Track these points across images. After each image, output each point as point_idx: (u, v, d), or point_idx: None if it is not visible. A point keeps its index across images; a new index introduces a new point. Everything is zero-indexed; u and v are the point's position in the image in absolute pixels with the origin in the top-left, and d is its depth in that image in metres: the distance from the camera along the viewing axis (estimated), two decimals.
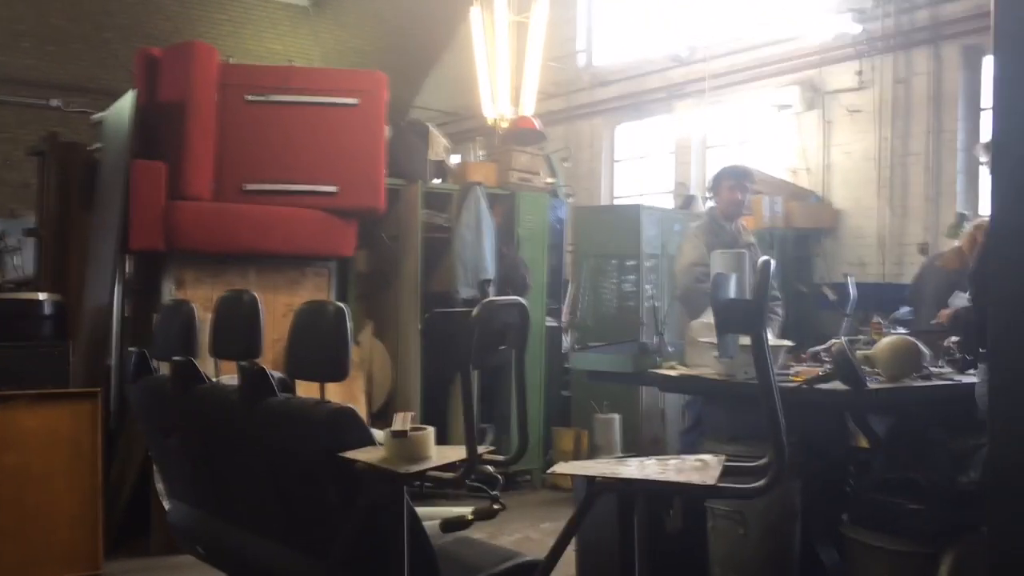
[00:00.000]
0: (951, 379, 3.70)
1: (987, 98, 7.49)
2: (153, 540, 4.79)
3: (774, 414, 1.72)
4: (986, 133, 7.22)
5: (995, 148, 1.49)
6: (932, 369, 3.76)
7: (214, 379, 3.01)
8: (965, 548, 3.09)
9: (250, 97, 5.25)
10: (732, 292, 1.80)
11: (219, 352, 2.90)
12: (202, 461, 3.02)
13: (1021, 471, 1.47)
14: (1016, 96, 1.40)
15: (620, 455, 5.45)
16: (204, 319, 3.20)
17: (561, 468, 2.13)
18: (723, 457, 1.97)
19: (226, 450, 2.89)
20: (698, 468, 1.87)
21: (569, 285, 7.37)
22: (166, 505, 4.24)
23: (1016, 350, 1.46)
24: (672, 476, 1.81)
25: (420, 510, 2.56)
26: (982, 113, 7.50)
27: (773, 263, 1.79)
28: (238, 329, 2.83)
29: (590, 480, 1.87)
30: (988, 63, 7.49)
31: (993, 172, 1.51)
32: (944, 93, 7.50)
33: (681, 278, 5.22)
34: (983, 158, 3.79)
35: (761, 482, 1.79)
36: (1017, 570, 1.48)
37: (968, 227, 5.85)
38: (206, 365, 3.06)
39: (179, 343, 3.07)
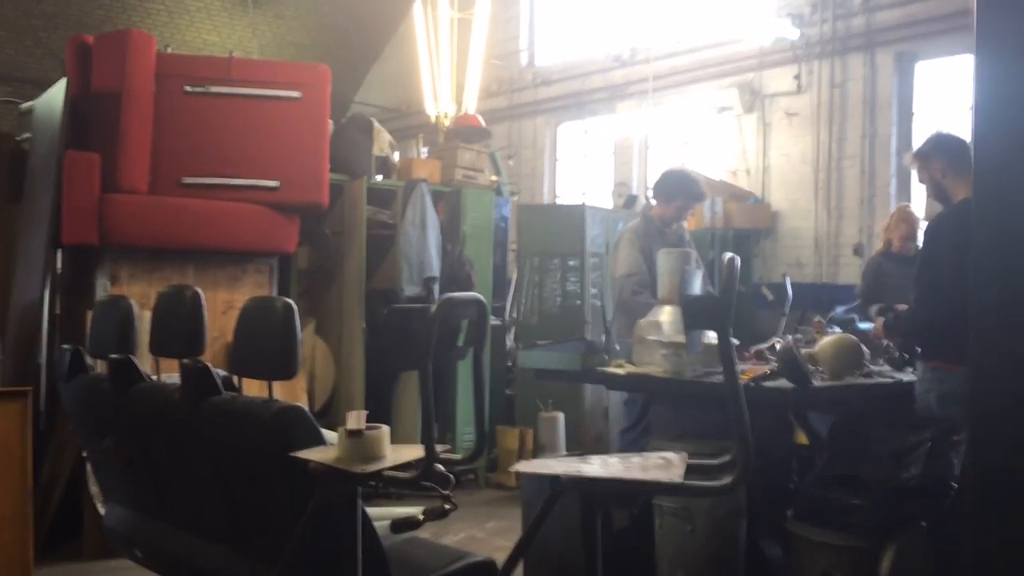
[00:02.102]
0: (891, 377, 3.79)
1: (919, 103, 7.72)
2: (86, 544, 4.63)
3: (740, 410, 1.73)
4: (917, 139, 7.45)
5: (976, 151, 1.52)
6: (872, 367, 3.84)
7: (154, 377, 2.92)
8: (906, 542, 3.16)
9: (189, 88, 5.11)
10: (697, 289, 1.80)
11: (160, 350, 2.80)
12: (141, 462, 2.91)
13: (1001, 472, 1.50)
14: (996, 95, 1.42)
15: (566, 453, 5.45)
16: (140, 316, 3.10)
17: (523, 467, 2.11)
18: (685, 454, 1.97)
19: (168, 451, 2.80)
20: (662, 466, 1.87)
21: (513, 283, 7.36)
22: (101, 508, 4.11)
23: (997, 354, 1.49)
24: (637, 474, 1.80)
25: (369, 510, 2.51)
26: (914, 118, 7.72)
27: (738, 260, 1.79)
28: (180, 326, 2.74)
29: (554, 479, 1.84)
30: (920, 69, 7.71)
31: (976, 176, 1.53)
32: (878, 98, 7.70)
33: (616, 289, 5.08)
34: (912, 166, 3.88)
35: (728, 479, 1.79)
36: (999, 563, 1.51)
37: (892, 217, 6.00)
38: (144, 363, 2.96)
39: (117, 340, 2.96)
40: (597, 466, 1.91)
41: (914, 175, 4.51)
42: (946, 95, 7.54)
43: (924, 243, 3.80)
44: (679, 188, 5.09)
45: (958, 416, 3.26)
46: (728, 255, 1.80)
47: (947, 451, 3.29)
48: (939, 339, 3.46)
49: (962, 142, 3.63)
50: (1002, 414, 1.49)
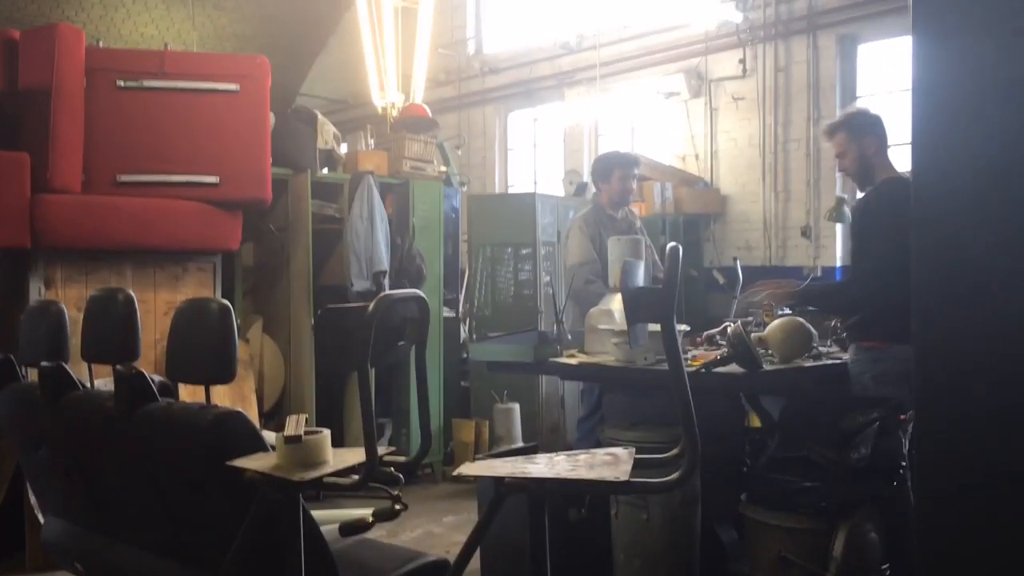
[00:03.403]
0: (838, 358, 3.81)
1: (862, 86, 7.80)
2: (28, 556, 4.49)
3: (686, 404, 1.69)
4: None
5: (915, 131, 1.50)
6: (821, 349, 3.86)
7: (88, 385, 2.81)
8: (858, 522, 3.17)
9: (122, 83, 4.95)
10: (640, 280, 1.76)
11: (91, 356, 2.70)
12: (77, 473, 2.81)
13: (947, 453, 1.50)
14: (934, 75, 1.40)
15: (521, 445, 5.42)
16: (77, 320, 2.99)
17: (467, 469, 2.05)
18: (633, 450, 1.94)
19: (103, 461, 2.70)
20: (609, 463, 1.83)
21: (465, 275, 7.30)
22: (41, 520, 3.97)
23: (940, 334, 1.48)
24: (584, 473, 1.76)
25: (317, 513, 2.45)
26: (857, 101, 7.79)
27: (680, 250, 1.76)
28: (112, 330, 2.64)
29: (499, 481, 1.80)
30: (862, 51, 7.79)
31: (914, 155, 1.52)
32: (822, 81, 7.76)
33: (568, 278, 5.05)
34: (832, 135, 3.84)
35: (675, 475, 1.76)
36: (943, 545, 1.51)
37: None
38: (79, 370, 2.85)
39: (48, 347, 2.85)
40: (543, 465, 1.87)
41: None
42: (887, 77, 7.63)
43: (854, 223, 3.83)
44: (610, 161, 5.19)
45: (897, 395, 3.29)
46: (671, 244, 1.76)
47: (895, 430, 3.31)
48: (872, 318, 3.50)
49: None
50: (946, 389, 1.49)
